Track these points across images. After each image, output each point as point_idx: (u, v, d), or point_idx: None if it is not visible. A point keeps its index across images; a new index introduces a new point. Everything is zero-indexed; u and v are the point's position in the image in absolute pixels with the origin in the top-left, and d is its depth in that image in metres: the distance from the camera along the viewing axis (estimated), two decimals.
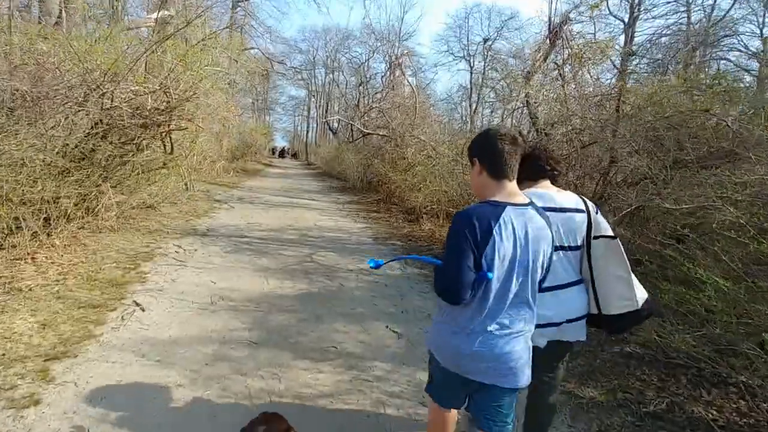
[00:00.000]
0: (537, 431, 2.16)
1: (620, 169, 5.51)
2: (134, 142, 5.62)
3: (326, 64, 42.04)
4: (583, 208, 1.97)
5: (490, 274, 1.54)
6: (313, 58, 43.13)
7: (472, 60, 30.95)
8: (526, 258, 1.58)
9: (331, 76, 42.83)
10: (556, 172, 2.07)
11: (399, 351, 3.43)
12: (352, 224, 8.89)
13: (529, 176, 2.03)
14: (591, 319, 2.01)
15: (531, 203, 1.65)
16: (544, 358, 1.92)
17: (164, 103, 5.38)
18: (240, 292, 4.33)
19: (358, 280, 5.06)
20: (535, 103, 7.35)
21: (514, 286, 1.58)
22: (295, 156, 52.83)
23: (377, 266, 1.82)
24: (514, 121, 9.93)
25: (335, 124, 42.59)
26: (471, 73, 29.84)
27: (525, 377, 1.67)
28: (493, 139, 1.63)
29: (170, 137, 6.17)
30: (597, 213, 1.99)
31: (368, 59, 35.87)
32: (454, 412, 1.88)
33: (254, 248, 6.14)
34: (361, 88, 34.86)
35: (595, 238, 1.95)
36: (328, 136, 45.63)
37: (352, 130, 36.83)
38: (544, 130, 6.78)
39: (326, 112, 40.65)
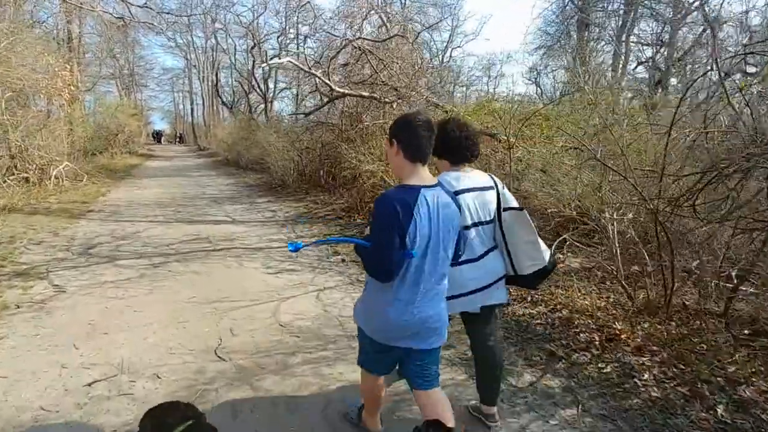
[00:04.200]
0: (491, 387, 2.25)
1: None
2: None
3: (205, 24, 34.01)
4: (492, 185, 2.15)
5: (414, 252, 1.69)
6: (188, 19, 34.84)
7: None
8: (438, 232, 1.74)
9: (214, 39, 35.08)
10: (474, 157, 2.17)
11: None
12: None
13: (452, 161, 2.13)
14: (509, 279, 2.24)
15: (438, 183, 1.81)
16: (480, 322, 2.19)
17: None
18: None
19: None
20: None
21: (431, 257, 1.75)
22: (181, 140, 44.36)
23: (296, 249, 1.81)
24: None
25: (229, 96, 35.45)
26: None
27: (445, 335, 1.89)
28: (412, 124, 1.75)
29: None
30: (503, 188, 2.18)
31: (259, 15, 29.31)
32: (382, 379, 2.05)
33: None
34: (254, 51, 28.58)
35: (505, 210, 2.15)
36: (221, 113, 38.11)
37: (249, 103, 30.47)
38: None
39: (216, 85, 33.10)
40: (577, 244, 5.20)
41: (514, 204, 2.17)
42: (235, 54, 33.46)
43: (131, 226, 6.73)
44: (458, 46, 28.86)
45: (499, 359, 2.24)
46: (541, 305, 3.89)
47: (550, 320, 3.60)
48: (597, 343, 3.21)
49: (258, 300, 3.93)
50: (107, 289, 4.10)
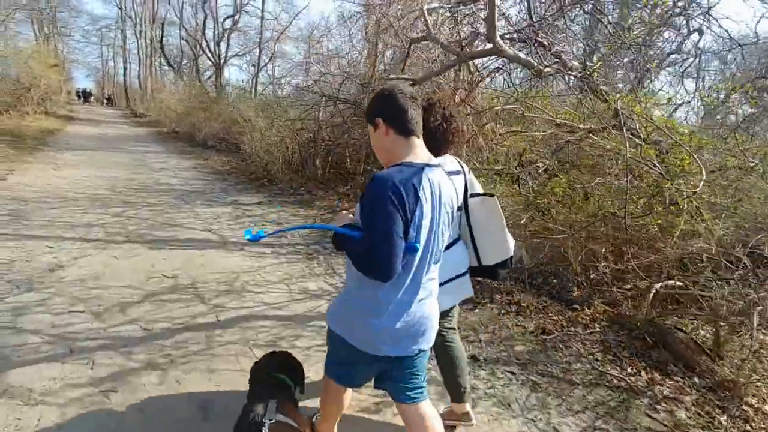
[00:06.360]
0: (459, 383, 2.06)
1: None
2: None
3: None
4: (460, 169, 1.97)
5: (417, 245, 1.39)
6: None
7: None
8: (440, 220, 1.47)
9: None
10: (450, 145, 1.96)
11: None
12: None
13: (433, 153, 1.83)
14: (471, 270, 2.04)
15: (438, 164, 1.53)
16: (444, 319, 1.92)
17: None
18: None
19: None
20: None
21: (432, 251, 1.47)
22: (110, 102, 38.68)
23: (256, 240, 1.46)
24: None
25: (174, 58, 30.63)
26: None
27: (436, 331, 1.58)
28: (395, 96, 1.48)
29: None
30: (469, 173, 2.01)
31: None
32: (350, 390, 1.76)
33: None
34: (206, 5, 24.74)
35: (472, 196, 1.98)
36: (161, 76, 33.20)
37: (197, 67, 26.33)
38: None
39: (160, 41, 28.32)
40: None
41: (482, 190, 2.03)
42: (182, 8, 28.69)
43: (46, 250, 3.80)
44: None
45: (462, 352, 2.09)
46: None
47: None
48: None
49: None
50: None
